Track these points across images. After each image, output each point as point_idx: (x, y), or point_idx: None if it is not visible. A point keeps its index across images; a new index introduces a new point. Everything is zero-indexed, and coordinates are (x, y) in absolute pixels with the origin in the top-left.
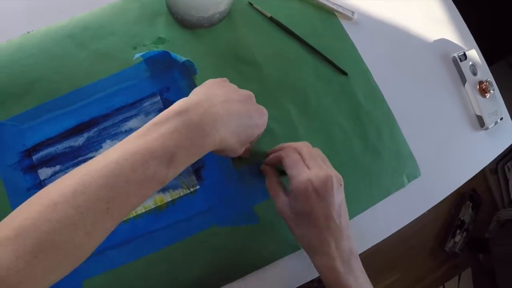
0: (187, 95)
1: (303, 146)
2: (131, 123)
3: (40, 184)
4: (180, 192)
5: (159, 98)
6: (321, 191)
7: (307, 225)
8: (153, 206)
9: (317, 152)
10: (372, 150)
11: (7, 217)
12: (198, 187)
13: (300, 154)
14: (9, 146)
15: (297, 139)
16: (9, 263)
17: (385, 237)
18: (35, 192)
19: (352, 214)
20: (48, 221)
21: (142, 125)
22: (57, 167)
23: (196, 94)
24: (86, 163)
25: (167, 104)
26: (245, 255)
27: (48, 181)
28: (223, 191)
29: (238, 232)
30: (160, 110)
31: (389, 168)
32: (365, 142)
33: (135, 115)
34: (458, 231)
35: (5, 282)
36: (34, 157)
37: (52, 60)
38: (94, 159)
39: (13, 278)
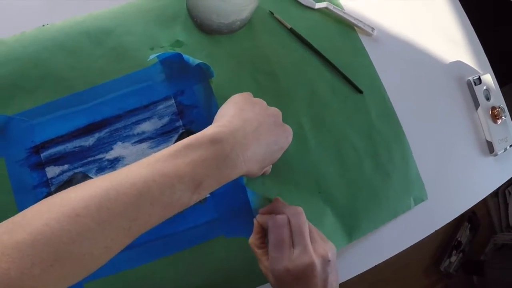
0: (201, 99)
1: (295, 215)
2: (143, 126)
3: (47, 183)
4: None
5: (173, 101)
6: (302, 278)
7: None
8: None
9: (307, 225)
10: (382, 171)
11: (22, 215)
12: (208, 195)
13: (289, 224)
14: (17, 141)
15: (308, 154)
16: (24, 268)
17: (386, 258)
18: (41, 191)
19: (360, 234)
20: (68, 232)
21: (155, 128)
22: (66, 166)
23: (229, 120)
24: (111, 174)
25: (180, 107)
26: (252, 269)
27: (55, 180)
28: (233, 201)
29: (246, 244)
30: (174, 114)
31: (397, 190)
32: (375, 162)
33: (148, 118)
34: (455, 251)
35: (18, 286)
36: (42, 155)
37: (66, 56)
38: (119, 170)
39: (26, 282)
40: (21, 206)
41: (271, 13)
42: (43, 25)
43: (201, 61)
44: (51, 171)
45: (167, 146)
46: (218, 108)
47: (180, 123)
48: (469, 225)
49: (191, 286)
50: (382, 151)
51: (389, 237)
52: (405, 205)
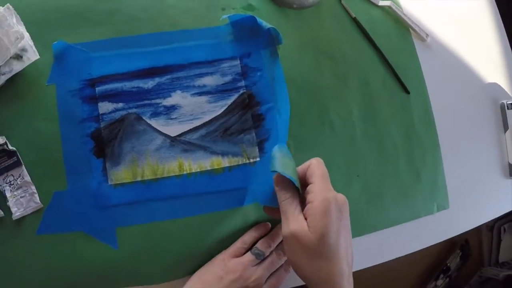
0: (266, 64)
1: (317, 166)
2: (205, 80)
3: (98, 118)
4: (239, 160)
5: (238, 62)
6: (343, 210)
7: (325, 255)
8: (209, 168)
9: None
10: (415, 172)
11: None
12: (258, 159)
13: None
14: (73, 71)
15: (353, 139)
16: None
17: (395, 257)
18: (90, 125)
19: (383, 226)
20: None
21: (216, 84)
22: (120, 105)
23: None
24: None
25: (245, 69)
26: None
27: (106, 117)
28: None
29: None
30: (238, 74)
31: (424, 193)
32: (410, 161)
33: (211, 73)
34: (442, 275)
35: None
36: (98, 89)
37: None
38: None
39: None
40: (65, 137)
41: None
42: None
43: (271, 26)
44: (104, 106)
45: (225, 103)
46: (282, 74)
47: (242, 83)
48: (461, 253)
49: (219, 248)
50: (417, 153)
51: (403, 236)
52: (429, 209)
